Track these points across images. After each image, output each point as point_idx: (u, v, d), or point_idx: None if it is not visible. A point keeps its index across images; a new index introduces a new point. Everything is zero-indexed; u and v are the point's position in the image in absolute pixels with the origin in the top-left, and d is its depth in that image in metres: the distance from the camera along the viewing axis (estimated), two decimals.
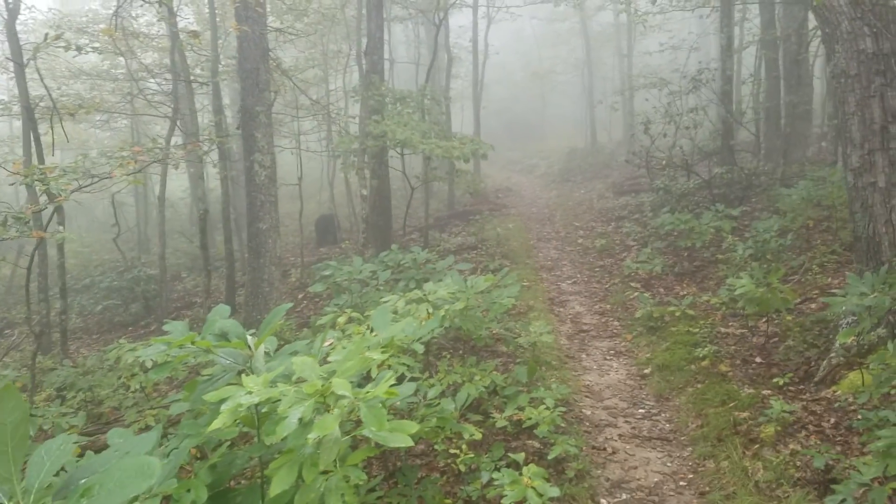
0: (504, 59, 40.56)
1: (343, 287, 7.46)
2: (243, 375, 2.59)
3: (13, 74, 9.12)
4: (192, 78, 11.54)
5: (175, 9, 11.24)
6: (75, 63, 16.39)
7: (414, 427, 2.61)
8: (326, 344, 3.93)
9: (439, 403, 4.67)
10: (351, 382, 3.64)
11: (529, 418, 5.33)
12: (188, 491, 2.69)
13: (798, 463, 4.69)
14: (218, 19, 13.46)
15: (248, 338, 3.26)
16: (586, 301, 10.29)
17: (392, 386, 3.60)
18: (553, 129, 42.11)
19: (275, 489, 2.34)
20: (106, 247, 20.79)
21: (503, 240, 14.54)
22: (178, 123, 11.66)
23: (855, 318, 5.42)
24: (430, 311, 5.42)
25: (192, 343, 2.94)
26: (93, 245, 23.39)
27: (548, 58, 39.96)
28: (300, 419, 2.33)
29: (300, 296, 12.64)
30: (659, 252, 11.34)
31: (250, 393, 2.42)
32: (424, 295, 5.60)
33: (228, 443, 2.85)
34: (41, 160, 8.00)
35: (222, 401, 2.54)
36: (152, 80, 15.54)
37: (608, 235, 14.11)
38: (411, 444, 2.53)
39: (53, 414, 5.51)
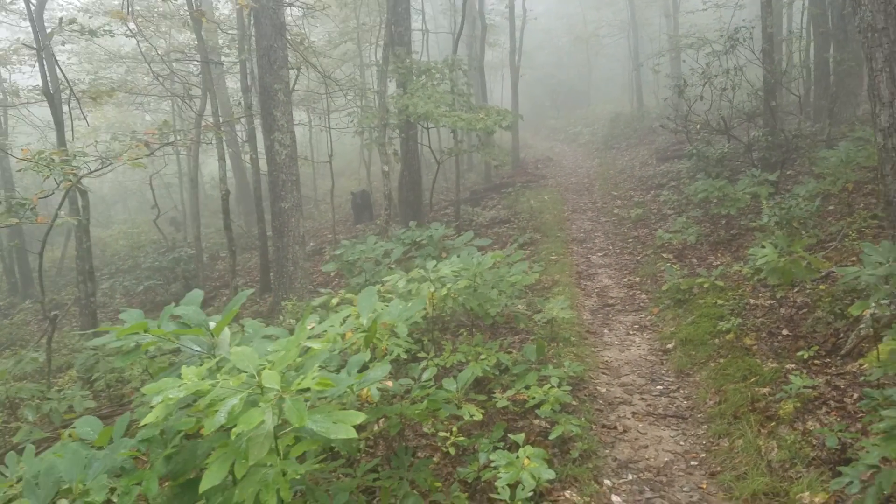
0: (547, 23, 39.59)
1: (357, 266, 7.39)
2: (183, 367, 2.54)
3: (41, 59, 9.26)
4: (217, 58, 11.56)
5: None
6: (112, 46, 16.64)
7: (359, 417, 2.51)
8: (309, 328, 3.87)
9: (433, 385, 4.58)
10: (334, 371, 3.59)
11: (533, 398, 5.19)
12: (138, 484, 2.67)
13: (814, 442, 4.45)
14: None
15: (211, 324, 3.22)
16: (615, 274, 10.01)
17: (381, 366, 3.52)
18: (600, 94, 41.05)
19: (205, 484, 2.29)
20: (154, 228, 21.34)
21: (536, 212, 14.26)
22: (207, 104, 11.73)
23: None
24: (433, 290, 5.31)
25: (146, 331, 2.91)
26: (142, 226, 24.04)
27: (592, 21, 38.74)
28: (229, 412, 2.26)
29: (333, 273, 12.68)
30: (695, 221, 10.94)
31: (181, 386, 2.37)
32: (426, 273, 5.49)
33: (182, 433, 2.81)
34: (62, 145, 8.16)
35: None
36: (188, 62, 15.66)
37: (645, 204, 13.68)
38: (355, 435, 2.44)
39: (70, 398, 5.65)
